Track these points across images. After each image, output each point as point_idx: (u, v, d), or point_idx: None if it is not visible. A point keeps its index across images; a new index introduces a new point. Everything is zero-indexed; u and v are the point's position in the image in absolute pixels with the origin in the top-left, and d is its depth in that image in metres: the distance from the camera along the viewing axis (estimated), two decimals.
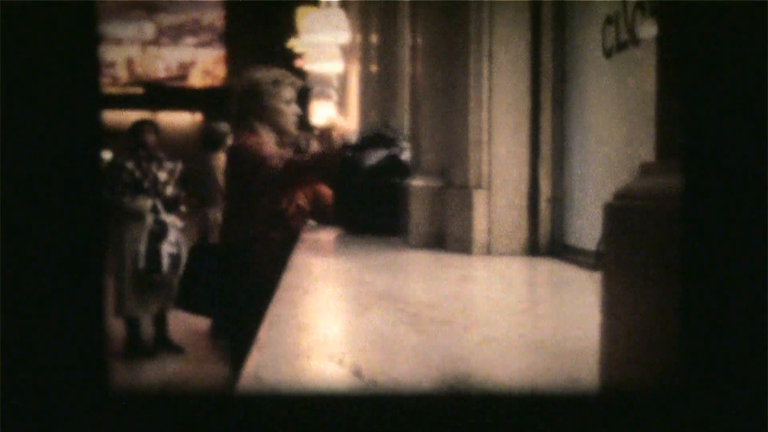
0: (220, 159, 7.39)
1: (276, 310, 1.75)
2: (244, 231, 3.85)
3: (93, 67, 0.84)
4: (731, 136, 0.88)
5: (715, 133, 0.88)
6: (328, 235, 3.80)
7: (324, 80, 13.15)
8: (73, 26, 0.84)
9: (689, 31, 0.89)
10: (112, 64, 28.48)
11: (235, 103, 4.13)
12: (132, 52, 29.39)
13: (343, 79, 10.71)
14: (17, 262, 0.85)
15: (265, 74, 4.07)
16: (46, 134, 0.85)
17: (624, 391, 1.02)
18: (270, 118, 4.02)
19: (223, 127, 7.74)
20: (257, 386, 1.15)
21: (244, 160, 3.87)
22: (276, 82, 4.04)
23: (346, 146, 3.79)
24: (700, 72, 0.88)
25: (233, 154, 3.98)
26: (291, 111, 4.06)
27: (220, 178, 6.98)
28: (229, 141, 7.15)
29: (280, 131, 4.06)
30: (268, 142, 3.96)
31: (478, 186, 2.87)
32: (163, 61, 29.72)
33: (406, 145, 3.79)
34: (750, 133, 0.88)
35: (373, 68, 6.45)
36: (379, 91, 5.80)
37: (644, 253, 0.98)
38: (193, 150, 8.34)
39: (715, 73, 0.88)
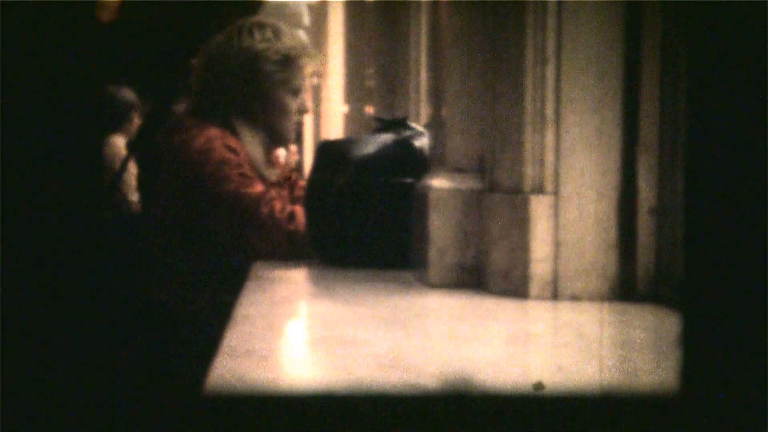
0: (120, 145, 5.78)
1: (214, 384, 1.41)
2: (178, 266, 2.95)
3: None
4: (732, 135, 1.02)
5: (717, 133, 1.02)
6: (294, 271, 2.87)
7: (288, 15, 9.18)
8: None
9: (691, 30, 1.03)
10: None
11: (195, 85, 3.03)
12: None
13: (320, 11, 8.27)
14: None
15: (267, 44, 2.89)
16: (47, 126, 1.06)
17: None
18: (264, 115, 2.92)
19: (127, 94, 6.01)
20: None
21: (181, 173, 2.87)
22: (286, 60, 2.89)
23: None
24: (700, 71, 1.03)
25: (172, 162, 2.94)
26: (296, 107, 2.96)
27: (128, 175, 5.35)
28: (136, 119, 5.83)
29: (275, 136, 2.98)
30: (241, 149, 2.85)
31: (539, 189, 2.32)
32: None
33: (418, 126, 2.77)
34: (750, 133, 1.02)
35: None
36: (378, 31, 4.69)
37: None
38: None
39: (715, 73, 1.02)
